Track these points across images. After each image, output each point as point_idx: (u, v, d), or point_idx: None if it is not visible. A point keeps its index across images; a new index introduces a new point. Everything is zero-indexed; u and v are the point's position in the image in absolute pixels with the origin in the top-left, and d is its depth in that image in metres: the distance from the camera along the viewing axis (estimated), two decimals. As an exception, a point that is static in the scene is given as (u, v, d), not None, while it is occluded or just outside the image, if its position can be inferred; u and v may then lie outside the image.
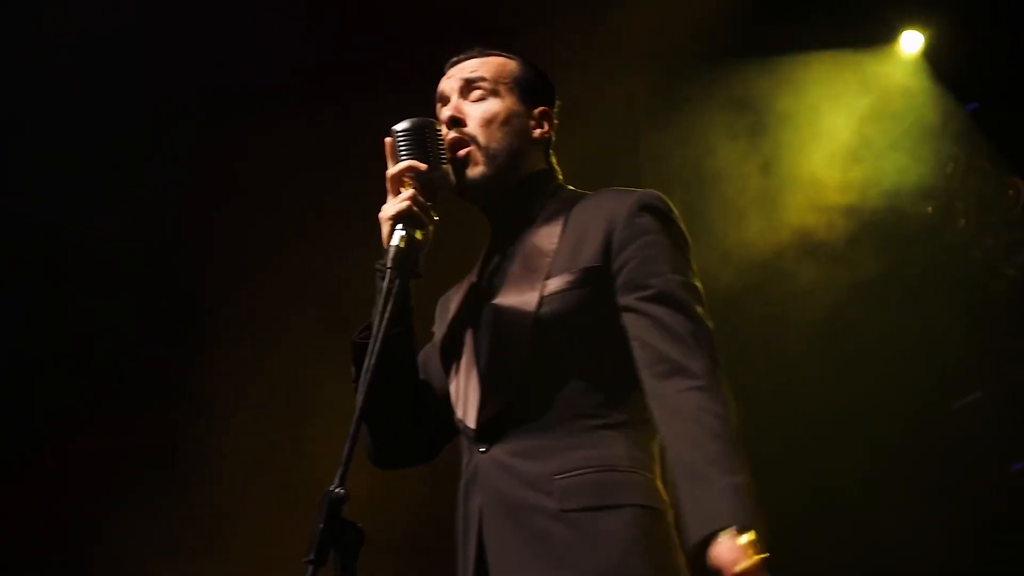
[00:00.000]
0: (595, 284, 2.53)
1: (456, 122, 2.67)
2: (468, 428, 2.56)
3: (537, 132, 2.74)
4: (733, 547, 2.20)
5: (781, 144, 6.22)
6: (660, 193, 2.63)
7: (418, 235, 2.50)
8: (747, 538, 2.21)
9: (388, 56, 5.60)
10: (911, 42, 6.29)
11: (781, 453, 5.48)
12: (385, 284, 2.42)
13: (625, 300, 2.50)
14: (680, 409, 2.36)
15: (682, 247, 2.57)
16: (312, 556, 2.12)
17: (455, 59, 2.78)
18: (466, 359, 2.61)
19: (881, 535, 5.99)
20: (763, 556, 2.21)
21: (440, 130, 2.62)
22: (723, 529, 2.22)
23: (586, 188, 2.76)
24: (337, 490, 2.17)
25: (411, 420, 2.71)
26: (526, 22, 5.75)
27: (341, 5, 5.88)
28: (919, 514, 5.92)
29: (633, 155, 6.37)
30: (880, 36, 6.28)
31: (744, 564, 2.19)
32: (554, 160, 2.80)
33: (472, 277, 2.75)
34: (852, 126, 6.25)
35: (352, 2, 5.89)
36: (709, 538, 2.23)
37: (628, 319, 2.48)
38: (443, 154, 2.60)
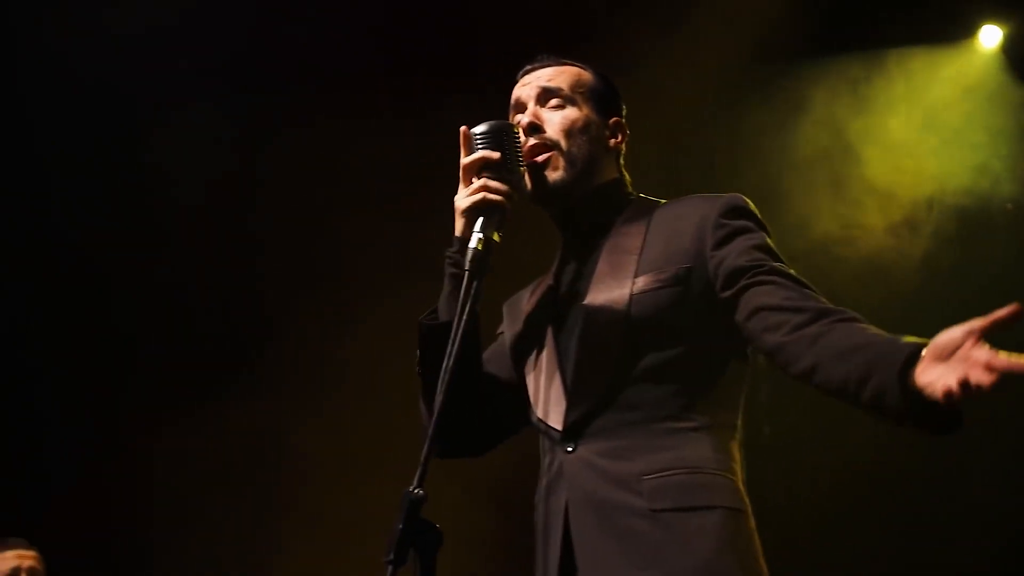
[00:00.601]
0: (685, 284, 2.53)
1: (535, 128, 2.68)
2: (552, 428, 2.57)
3: (612, 142, 2.77)
4: None
5: (858, 142, 6.17)
6: (743, 196, 2.63)
7: (495, 236, 2.51)
8: None
9: (466, 57, 5.61)
10: (990, 37, 6.22)
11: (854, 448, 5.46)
12: (463, 287, 2.43)
13: (733, 289, 2.47)
14: (840, 325, 2.27)
15: (773, 245, 2.57)
16: (392, 556, 2.14)
17: (529, 67, 2.79)
18: (547, 359, 2.62)
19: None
20: None
21: (518, 134, 2.63)
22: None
23: (657, 192, 2.77)
24: (416, 491, 2.19)
25: (473, 413, 2.72)
26: (603, 25, 5.76)
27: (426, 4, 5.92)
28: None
29: (707, 158, 6.35)
30: (958, 31, 6.22)
31: None
32: (624, 170, 2.81)
33: (548, 280, 2.76)
34: (931, 122, 6.19)
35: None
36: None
37: (745, 298, 2.44)
38: (520, 158, 2.61)
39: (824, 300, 2.39)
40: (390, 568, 2.13)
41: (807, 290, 2.42)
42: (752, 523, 2.50)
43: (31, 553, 5.19)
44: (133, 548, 5.92)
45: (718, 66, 6.09)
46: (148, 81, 5.75)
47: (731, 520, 2.44)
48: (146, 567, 5.94)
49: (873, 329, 2.25)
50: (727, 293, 2.49)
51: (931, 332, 2.08)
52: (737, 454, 2.56)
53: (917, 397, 2.06)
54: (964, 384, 1.94)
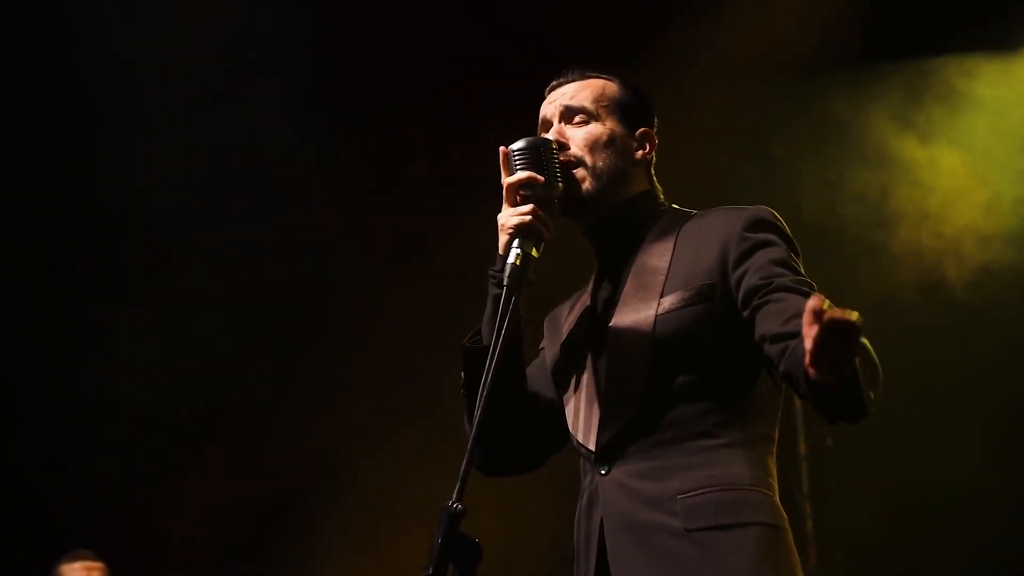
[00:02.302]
0: (710, 301, 2.52)
1: (560, 146, 2.67)
2: (587, 450, 2.57)
3: (639, 153, 2.74)
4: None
5: (915, 153, 6.12)
6: (770, 208, 2.62)
7: (533, 251, 2.52)
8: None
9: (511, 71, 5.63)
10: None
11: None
12: (502, 302, 2.45)
13: (748, 309, 2.47)
14: None
15: (796, 258, 2.54)
16: (431, 570, 2.16)
17: (555, 83, 2.79)
18: (584, 381, 2.62)
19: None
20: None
21: (555, 149, 2.64)
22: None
23: (702, 205, 2.76)
24: (455, 505, 2.20)
25: (517, 430, 2.72)
26: (644, 35, 5.76)
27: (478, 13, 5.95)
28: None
29: (757, 167, 6.32)
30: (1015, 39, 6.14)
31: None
32: (655, 180, 2.79)
33: (585, 299, 2.76)
34: (991, 131, 6.12)
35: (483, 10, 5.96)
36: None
37: (756, 322, 2.44)
38: (559, 173, 2.62)
39: None
40: (430, 583, 2.15)
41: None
42: (790, 537, 2.49)
43: (98, 565, 5.28)
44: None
45: (766, 78, 6.07)
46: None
47: (768, 536, 2.42)
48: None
49: None
50: (745, 313, 2.48)
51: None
52: (773, 468, 2.53)
53: (814, 384, 2.18)
54: (812, 352, 2.06)
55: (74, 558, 5.25)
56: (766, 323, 2.41)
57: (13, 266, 5.95)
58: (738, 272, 2.51)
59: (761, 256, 2.50)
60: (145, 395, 5.88)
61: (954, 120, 6.19)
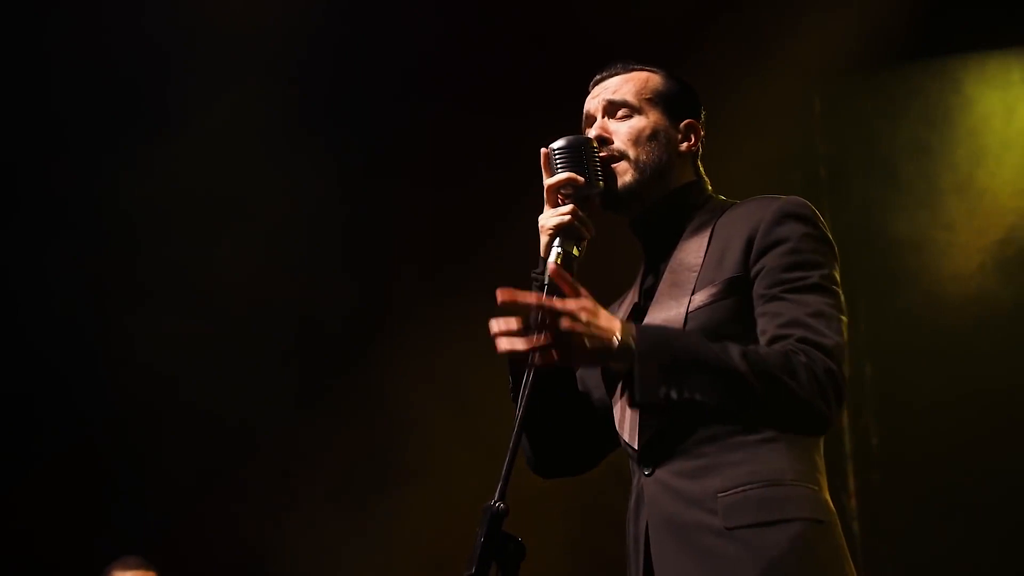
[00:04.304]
0: (739, 294, 2.51)
1: (603, 141, 2.67)
2: (632, 450, 2.57)
3: (684, 145, 2.73)
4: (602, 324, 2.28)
5: (966, 150, 6.08)
6: (803, 199, 2.61)
7: (575, 250, 2.53)
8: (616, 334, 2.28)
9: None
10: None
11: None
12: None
13: (757, 307, 2.49)
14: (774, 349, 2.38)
15: (823, 252, 2.53)
16: (473, 570, 2.16)
17: (598, 77, 2.78)
18: (624, 380, 2.60)
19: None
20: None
21: (596, 148, 2.64)
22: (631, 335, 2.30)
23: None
24: (497, 504, 2.20)
25: (570, 431, 2.73)
26: (699, 30, 5.75)
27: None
28: None
29: (810, 163, 6.29)
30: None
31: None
32: (703, 171, 2.79)
33: (633, 296, 2.76)
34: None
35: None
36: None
37: (759, 322, 2.48)
38: (599, 171, 2.62)
39: (808, 319, 2.41)
40: (472, 582, 2.16)
41: (798, 306, 2.43)
42: (838, 532, 2.47)
43: (151, 573, 5.32)
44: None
45: (822, 72, 6.05)
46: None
47: (811, 532, 2.40)
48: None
49: (731, 350, 2.33)
50: (756, 307, 2.50)
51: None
52: (820, 462, 2.52)
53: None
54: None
55: (126, 566, 5.29)
56: (761, 335, 2.46)
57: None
58: (755, 268, 2.51)
59: (774, 258, 2.50)
60: (204, 399, 5.91)
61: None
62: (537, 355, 2.25)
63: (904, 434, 5.98)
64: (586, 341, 2.27)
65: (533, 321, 2.27)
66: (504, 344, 2.28)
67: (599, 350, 2.28)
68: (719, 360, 2.31)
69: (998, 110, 6.11)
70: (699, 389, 2.31)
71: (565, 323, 2.25)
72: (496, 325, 2.28)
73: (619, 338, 2.29)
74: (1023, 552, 5.74)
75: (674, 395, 2.29)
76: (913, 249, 6.09)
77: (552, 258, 2.50)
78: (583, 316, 2.26)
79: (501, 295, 2.24)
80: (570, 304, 2.26)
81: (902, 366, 6.02)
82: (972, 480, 5.78)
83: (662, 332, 2.42)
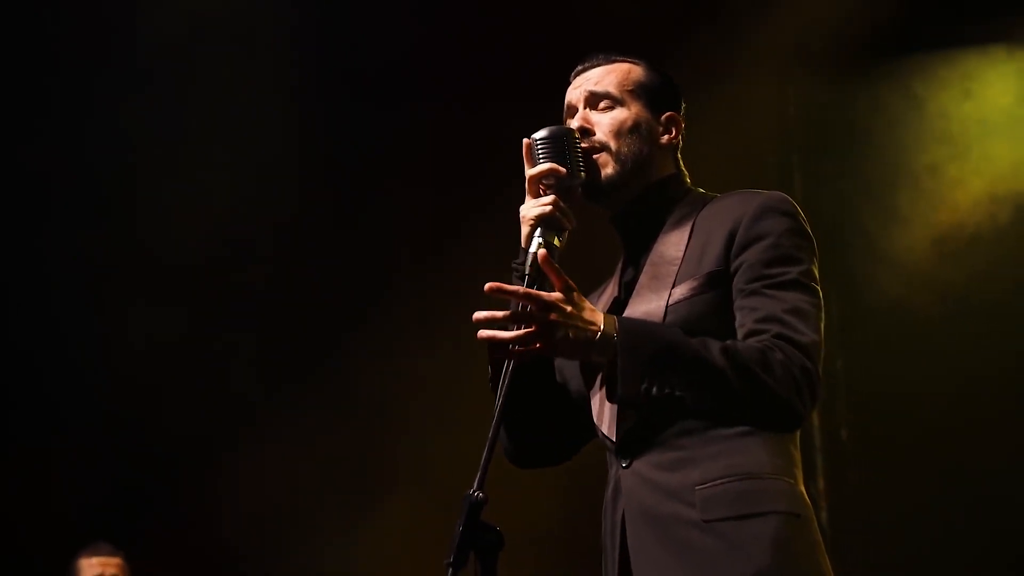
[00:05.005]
0: (719, 287, 2.52)
1: (585, 132, 2.67)
2: (611, 442, 2.58)
3: (665, 138, 2.73)
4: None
5: (949, 144, 6.10)
6: (785, 195, 2.62)
7: (556, 241, 2.52)
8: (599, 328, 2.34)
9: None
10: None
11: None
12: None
13: (736, 301, 2.51)
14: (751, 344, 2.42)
15: (803, 248, 2.55)
16: (452, 559, 2.17)
17: (580, 67, 2.78)
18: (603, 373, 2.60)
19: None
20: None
21: (578, 139, 2.64)
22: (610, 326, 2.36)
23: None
24: (476, 494, 2.22)
25: (548, 421, 2.73)
26: (673, 22, 5.75)
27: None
28: None
29: (786, 158, 6.31)
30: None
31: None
32: (682, 164, 2.79)
33: (612, 289, 2.76)
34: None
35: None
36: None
37: (736, 316, 2.49)
38: (581, 162, 2.62)
39: (785, 316, 2.45)
40: (450, 570, 2.17)
41: (777, 301, 2.46)
42: (814, 526, 2.49)
43: (115, 560, 5.30)
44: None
45: (820, 62, 6.07)
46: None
47: (788, 525, 2.42)
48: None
49: (711, 345, 2.40)
50: (735, 301, 2.52)
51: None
52: (797, 455, 2.53)
53: None
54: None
55: (95, 552, 5.27)
56: (739, 330, 2.49)
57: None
58: (736, 263, 2.53)
59: (755, 252, 2.51)
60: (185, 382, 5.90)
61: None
62: (519, 346, 2.25)
63: (874, 426, 6.01)
64: (569, 333, 2.30)
65: (516, 312, 2.27)
66: (486, 333, 2.28)
67: (582, 342, 2.32)
68: (699, 356, 2.35)
69: (968, 101, 6.13)
70: (679, 384, 2.36)
71: (550, 315, 2.25)
72: (479, 314, 2.28)
73: (602, 331, 2.31)
74: (994, 545, 5.77)
75: (654, 391, 2.33)
76: (886, 241, 6.11)
77: (533, 248, 2.49)
78: (567, 308, 2.27)
79: (488, 287, 2.25)
80: (554, 296, 2.26)
81: (873, 360, 6.05)
82: (943, 472, 5.81)
83: (644, 326, 2.43)
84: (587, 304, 2.34)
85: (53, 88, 5.87)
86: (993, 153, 6.07)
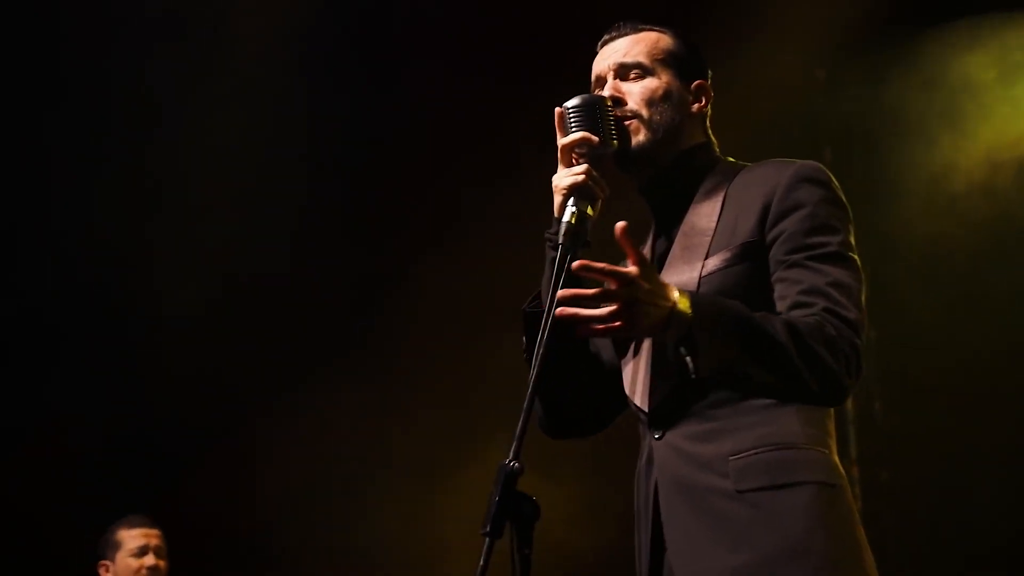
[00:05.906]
0: (754, 258, 2.51)
1: (617, 101, 2.66)
2: (643, 414, 2.57)
3: (695, 106, 2.72)
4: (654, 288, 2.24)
5: (968, 115, 6.06)
6: (819, 163, 2.60)
7: (589, 210, 2.51)
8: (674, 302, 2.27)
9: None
10: None
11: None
12: (556, 260, 2.44)
13: (776, 272, 2.49)
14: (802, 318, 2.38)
15: (840, 218, 2.53)
16: (488, 528, 2.16)
17: (607, 37, 2.76)
18: (635, 344, 2.61)
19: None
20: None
21: (611, 107, 2.62)
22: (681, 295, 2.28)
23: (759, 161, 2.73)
24: (512, 463, 2.20)
25: (581, 391, 2.73)
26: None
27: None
28: None
29: (811, 129, 6.28)
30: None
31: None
32: (711, 132, 2.77)
33: None
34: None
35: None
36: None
37: (776, 287, 2.48)
38: (613, 131, 2.60)
39: (830, 290, 2.42)
40: (487, 541, 2.16)
41: (820, 275, 2.44)
42: (849, 496, 2.48)
43: (155, 531, 5.33)
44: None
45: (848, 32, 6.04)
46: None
47: (823, 495, 2.41)
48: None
49: (774, 320, 2.36)
50: (772, 272, 2.49)
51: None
52: (831, 425, 2.53)
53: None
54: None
55: (132, 524, 5.30)
56: (778, 303, 2.46)
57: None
58: (776, 229, 2.51)
59: (792, 223, 2.50)
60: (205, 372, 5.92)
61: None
62: (600, 325, 2.22)
63: (907, 398, 5.99)
64: (651, 311, 2.24)
65: (605, 291, 2.22)
66: (568, 311, 2.23)
67: (659, 320, 2.26)
68: (765, 331, 2.32)
69: (995, 74, 6.10)
70: (749, 362, 2.32)
71: (633, 292, 2.21)
72: (564, 292, 2.24)
73: (675, 306, 2.27)
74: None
75: (728, 366, 2.30)
76: (919, 213, 6.08)
77: (567, 217, 2.48)
78: (645, 285, 2.23)
79: (575, 265, 2.21)
80: (633, 271, 2.22)
81: (906, 333, 6.03)
82: (975, 444, 5.79)
83: (714, 303, 2.37)
84: (659, 278, 2.29)
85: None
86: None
